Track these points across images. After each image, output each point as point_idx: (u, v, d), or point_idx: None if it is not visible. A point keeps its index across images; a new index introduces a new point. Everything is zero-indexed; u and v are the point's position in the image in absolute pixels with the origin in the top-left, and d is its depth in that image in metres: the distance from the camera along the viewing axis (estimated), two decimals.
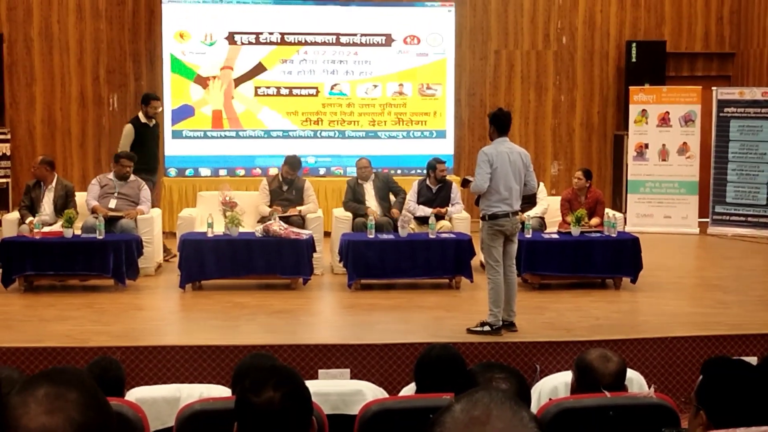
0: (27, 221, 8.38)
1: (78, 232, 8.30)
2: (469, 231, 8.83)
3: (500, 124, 6.67)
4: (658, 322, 7.00)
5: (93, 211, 8.59)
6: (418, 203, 9.19)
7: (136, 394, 4.06)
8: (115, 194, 8.82)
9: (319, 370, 6.05)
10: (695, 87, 11.79)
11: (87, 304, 7.53)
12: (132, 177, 8.98)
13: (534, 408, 3.52)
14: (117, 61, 11.63)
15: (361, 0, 11.92)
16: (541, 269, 8.18)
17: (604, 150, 12.46)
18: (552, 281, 8.34)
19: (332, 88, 11.66)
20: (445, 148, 11.66)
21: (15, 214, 8.84)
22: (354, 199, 9.25)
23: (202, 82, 11.44)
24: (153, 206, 9.39)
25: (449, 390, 3.24)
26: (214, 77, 11.47)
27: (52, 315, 7.16)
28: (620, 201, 11.96)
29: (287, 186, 9.18)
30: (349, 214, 9.07)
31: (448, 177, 9.57)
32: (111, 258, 7.93)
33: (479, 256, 8.01)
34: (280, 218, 8.50)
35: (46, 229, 8.31)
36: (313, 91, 11.62)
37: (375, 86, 11.70)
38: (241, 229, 8.35)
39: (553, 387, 4.09)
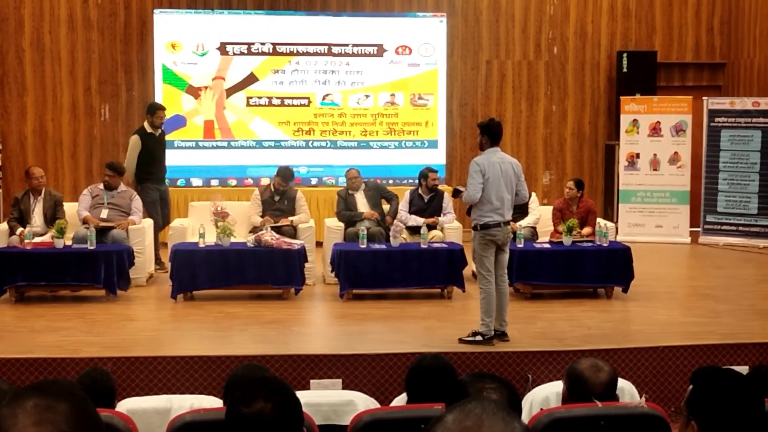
0: (17, 232, 8.35)
1: (69, 242, 8.28)
2: (461, 241, 8.83)
3: (492, 134, 6.69)
4: (649, 331, 7.01)
5: (84, 221, 8.57)
6: (410, 212, 9.20)
7: (126, 405, 4.04)
8: (105, 204, 8.80)
9: (311, 381, 6.04)
10: (686, 97, 11.84)
11: (78, 315, 7.51)
12: (122, 187, 8.98)
13: (525, 418, 3.52)
14: (108, 71, 11.62)
15: (352, 10, 11.95)
16: (533, 279, 8.19)
17: (595, 160, 12.50)
18: (544, 291, 8.35)
19: (324, 98, 11.67)
20: (436, 158, 11.67)
21: (4, 226, 8.80)
22: (346, 209, 9.26)
23: (194, 92, 11.44)
24: (167, 216, 9.39)
25: (440, 400, 3.24)
26: (206, 87, 11.47)
27: (42, 326, 7.13)
28: (612, 210, 11.99)
29: (279, 196, 9.18)
30: (341, 224, 9.07)
31: (439, 187, 9.58)
32: (102, 268, 7.91)
33: (471, 266, 8.01)
34: (272, 228, 8.50)
35: (37, 239, 8.28)
36: (305, 102, 11.64)
37: (367, 96, 11.72)
38: (232, 240, 8.34)
39: (545, 397, 4.09)
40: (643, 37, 12.46)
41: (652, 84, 12.10)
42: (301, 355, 6.21)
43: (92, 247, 8.04)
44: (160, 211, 9.52)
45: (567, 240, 8.38)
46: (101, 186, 8.95)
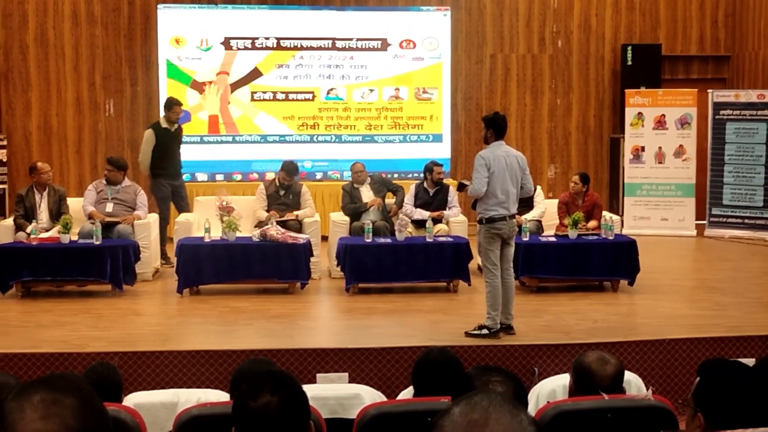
0: (27, 230, 8.29)
1: (74, 237, 8.28)
2: (467, 234, 8.82)
3: (497, 127, 6.68)
4: (655, 324, 7.00)
5: (90, 216, 8.57)
6: (415, 206, 9.20)
7: (133, 400, 4.05)
8: (110, 199, 8.81)
9: (317, 375, 6.05)
10: (691, 90, 11.80)
11: (84, 310, 7.52)
12: (127, 182, 8.98)
13: (532, 411, 3.52)
14: (113, 66, 11.63)
15: (356, 5, 11.93)
16: (539, 272, 8.19)
17: (600, 153, 12.48)
18: (549, 284, 8.34)
19: (328, 93, 11.66)
20: (441, 151, 11.66)
21: (10, 221, 8.80)
22: (352, 203, 9.25)
23: (198, 87, 11.44)
24: (184, 211, 9.38)
25: (447, 393, 3.24)
26: (210, 82, 11.47)
27: (49, 321, 7.15)
28: (617, 204, 11.96)
29: (284, 190, 9.18)
30: (346, 219, 9.06)
31: (444, 180, 9.57)
32: (108, 263, 7.93)
33: (477, 260, 8.00)
34: (278, 223, 8.50)
35: (43, 235, 8.29)
36: (310, 96, 11.63)
37: (371, 90, 11.71)
38: (238, 234, 8.34)
39: (551, 390, 4.09)
40: (647, 30, 12.42)
41: (657, 77, 12.06)
42: (308, 349, 6.21)
43: (98, 243, 8.04)
44: (169, 207, 9.52)
45: (572, 233, 8.37)
46: (104, 181, 8.95)
